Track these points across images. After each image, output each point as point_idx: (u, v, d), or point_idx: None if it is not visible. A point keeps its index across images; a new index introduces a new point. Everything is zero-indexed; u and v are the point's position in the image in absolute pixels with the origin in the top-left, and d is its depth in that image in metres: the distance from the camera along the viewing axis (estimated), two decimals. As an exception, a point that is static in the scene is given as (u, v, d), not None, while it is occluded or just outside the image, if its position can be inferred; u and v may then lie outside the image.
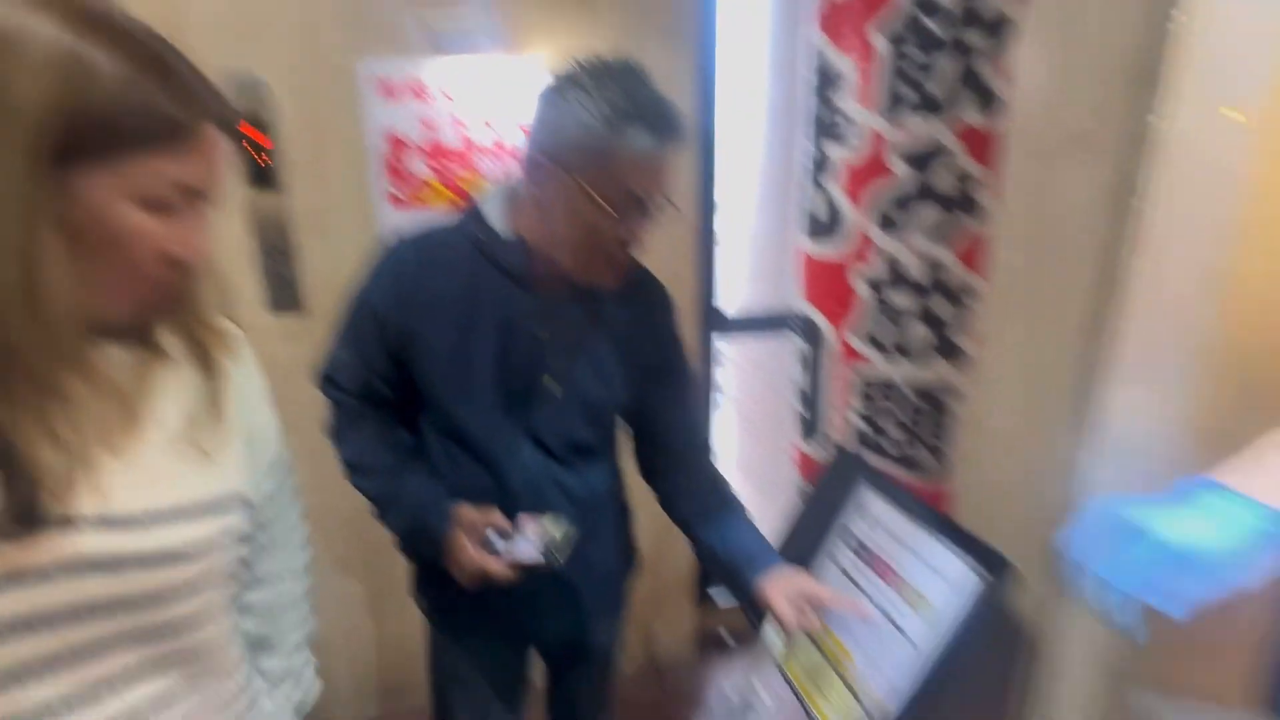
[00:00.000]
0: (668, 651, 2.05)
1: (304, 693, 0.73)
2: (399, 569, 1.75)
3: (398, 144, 1.47)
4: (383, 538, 1.70)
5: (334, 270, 1.50)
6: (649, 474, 1.04)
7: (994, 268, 0.87)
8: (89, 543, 0.45)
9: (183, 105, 0.44)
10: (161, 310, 0.51)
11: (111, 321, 0.47)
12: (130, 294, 0.47)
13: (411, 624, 1.84)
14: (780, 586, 0.85)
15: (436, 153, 1.48)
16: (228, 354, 0.57)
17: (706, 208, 1.82)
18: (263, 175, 1.43)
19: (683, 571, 2.00)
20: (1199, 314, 0.72)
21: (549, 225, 0.79)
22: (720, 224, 1.88)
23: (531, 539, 0.79)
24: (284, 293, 1.55)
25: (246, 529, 0.57)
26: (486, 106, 1.48)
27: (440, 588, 0.94)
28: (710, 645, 2.10)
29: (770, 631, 0.85)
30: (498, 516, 0.81)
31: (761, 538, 0.95)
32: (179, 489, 0.50)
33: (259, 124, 1.40)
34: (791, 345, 1.50)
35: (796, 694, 0.97)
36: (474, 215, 0.85)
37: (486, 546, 0.81)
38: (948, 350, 1.19)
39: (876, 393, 1.26)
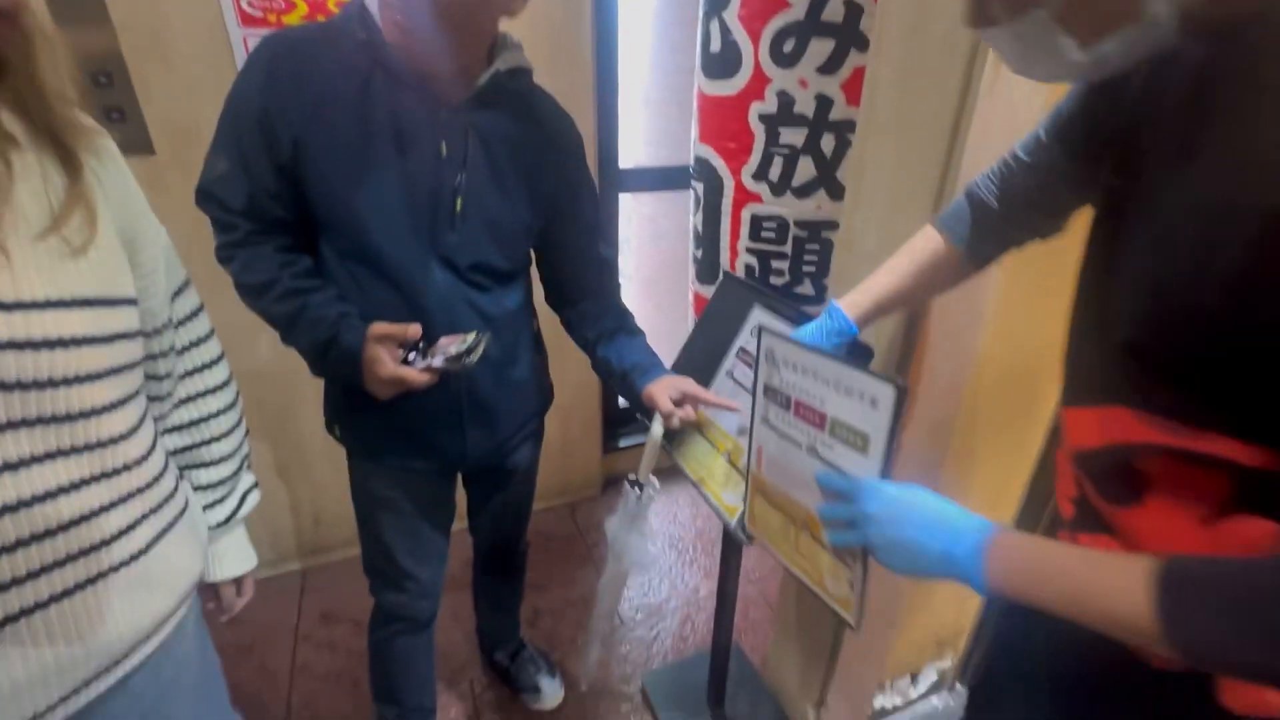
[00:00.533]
0: (578, 491, 2.23)
1: (241, 502, 0.77)
2: (303, 435, 1.74)
3: (242, -53, 1.25)
4: (282, 404, 1.67)
5: (182, 102, 1.33)
6: (557, 302, 1.09)
7: (869, 90, 0.93)
8: None
9: None
10: None
11: None
12: None
13: (319, 486, 1.87)
14: (662, 386, 0.97)
15: (292, -39, 1.29)
16: (87, 147, 0.53)
17: (606, 60, 1.73)
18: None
19: (592, 423, 2.13)
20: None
21: (397, 8, 0.76)
22: (622, 79, 1.81)
23: (448, 351, 0.82)
24: (123, 133, 1.35)
25: (137, 328, 0.56)
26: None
27: (357, 412, 0.95)
28: (617, 485, 2.31)
29: (656, 425, 0.97)
30: (415, 329, 0.82)
31: (655, 355, 1.05)
32: (52, 282, 0.48)
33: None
34: (691, 196, 1.54)
35: (690, 478, 1.10)
36: (358, 11, 0.78)
37: (402, 363, 0.83)
38: (829, 185, 1.28)
39: (765, 229, 1.35)
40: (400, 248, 0.83)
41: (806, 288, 1.39)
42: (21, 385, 0.46)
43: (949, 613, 1.40)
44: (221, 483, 0.74)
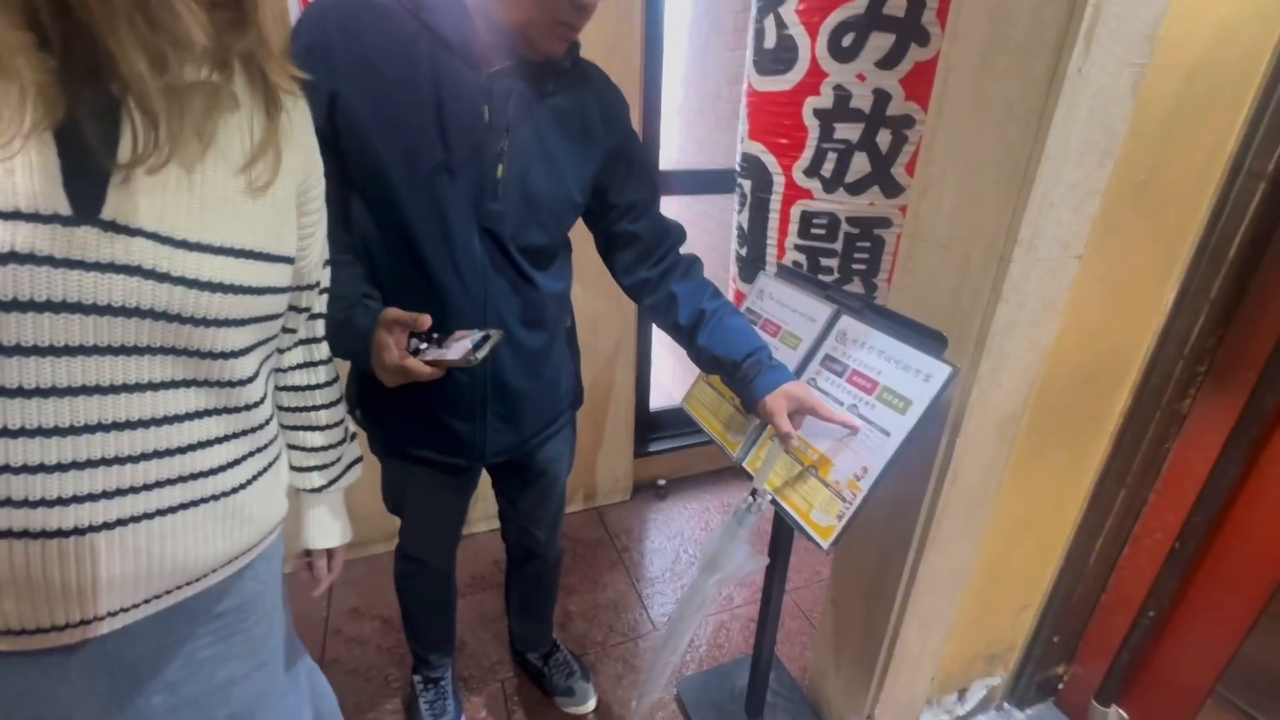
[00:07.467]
0: (608, 495, 2.20)
1: (345, 471, 0.80)
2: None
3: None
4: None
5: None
6: (637, 287, 1.03)
7: (943, 73, 0.91)
8: (143, 251, 0.46)
9: None
10: (231, 29, 0.49)
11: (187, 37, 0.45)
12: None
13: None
14: (781, 401, 0.93)
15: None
16: (288, 91, 0.55)
17: (653, 64, 1.74)
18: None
19: (623, 425, 2.11)
20: (1121, 104, 0.80)
21: None
22: (664, 83, 1.82)
23: (461, 344, 0.79)
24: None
25: (288, 284, 0.59)
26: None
27: (378, 397, 0.94)
28: (646, 490, 2.27)
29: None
30: (425, 320, 0.78)
31: (764, 346, 0.98)
32: (228, 229, 0.51)
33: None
34: (732, 200, 1.53)
35: (693, 416, 1.22)
36: None
37: (413, 351, 0.80)
38: (884, 182, 1.26)
39: (815, 225, 1.33)
40: (434, 215, 0.82)
41: (856, 286, 1.37)
42: (168, 316, 0.48)
43: (1005, 624, 1.35)
44: (329, 448, 0.76)
